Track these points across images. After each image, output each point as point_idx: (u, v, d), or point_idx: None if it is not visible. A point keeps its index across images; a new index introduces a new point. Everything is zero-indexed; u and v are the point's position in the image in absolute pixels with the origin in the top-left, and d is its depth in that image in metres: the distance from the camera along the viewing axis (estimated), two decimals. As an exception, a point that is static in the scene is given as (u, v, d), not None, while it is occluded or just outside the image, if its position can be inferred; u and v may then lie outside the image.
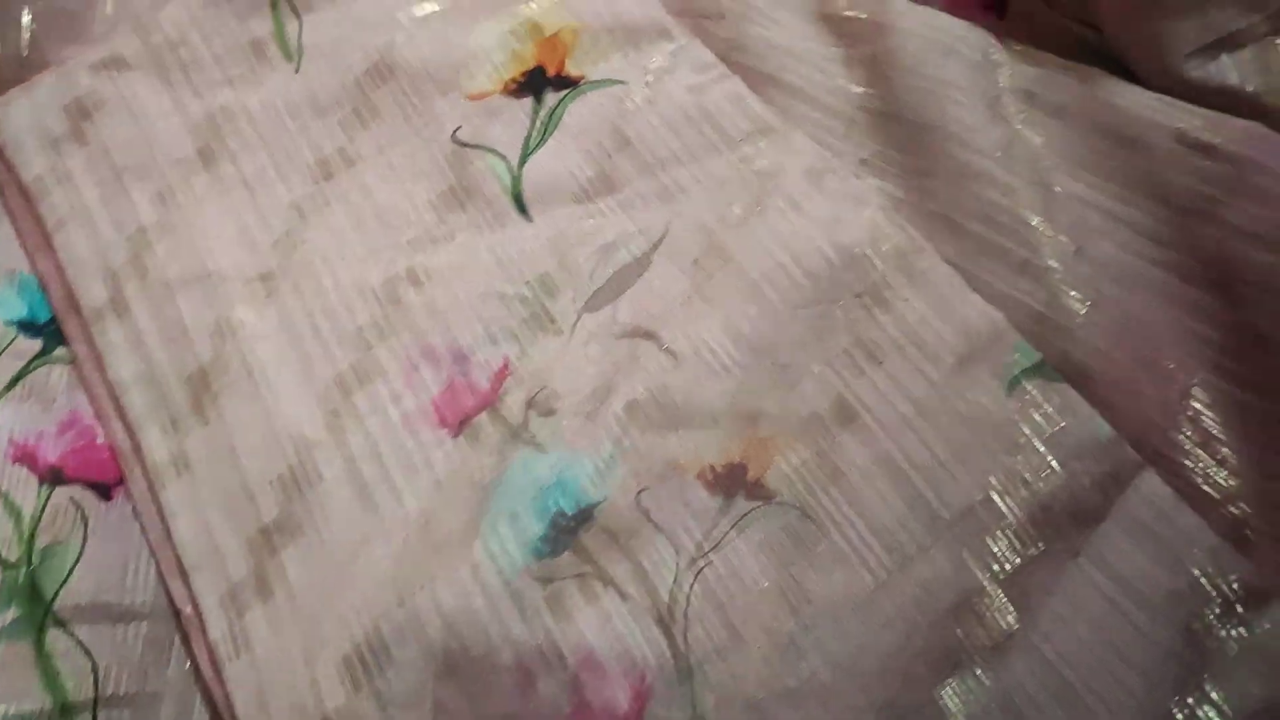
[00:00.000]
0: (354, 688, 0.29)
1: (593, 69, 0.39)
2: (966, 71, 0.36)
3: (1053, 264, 0.32)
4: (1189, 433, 0.30)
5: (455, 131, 0.39)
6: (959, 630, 0.28)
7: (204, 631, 0.31)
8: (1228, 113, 0.33)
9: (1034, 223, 0.33)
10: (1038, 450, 0.29)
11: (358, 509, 0.32)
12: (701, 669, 0.28)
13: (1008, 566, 0.28)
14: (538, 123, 0.39)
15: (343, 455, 0.33)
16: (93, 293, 0.37)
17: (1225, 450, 0.29)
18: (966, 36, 0.37)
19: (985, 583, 0.28)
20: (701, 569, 0.29)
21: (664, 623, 0.29)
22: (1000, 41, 0.37)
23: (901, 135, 0.36)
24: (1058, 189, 0.33)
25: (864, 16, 0.38)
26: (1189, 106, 0.33)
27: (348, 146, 0.40)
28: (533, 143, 0.38)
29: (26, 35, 0.43)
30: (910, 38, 0.37)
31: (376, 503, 0.32)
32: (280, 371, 0.35)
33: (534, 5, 0.41)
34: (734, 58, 0.39)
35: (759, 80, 0.39)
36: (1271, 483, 0.28)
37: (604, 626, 0.29)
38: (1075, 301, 0.31)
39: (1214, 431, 0.29)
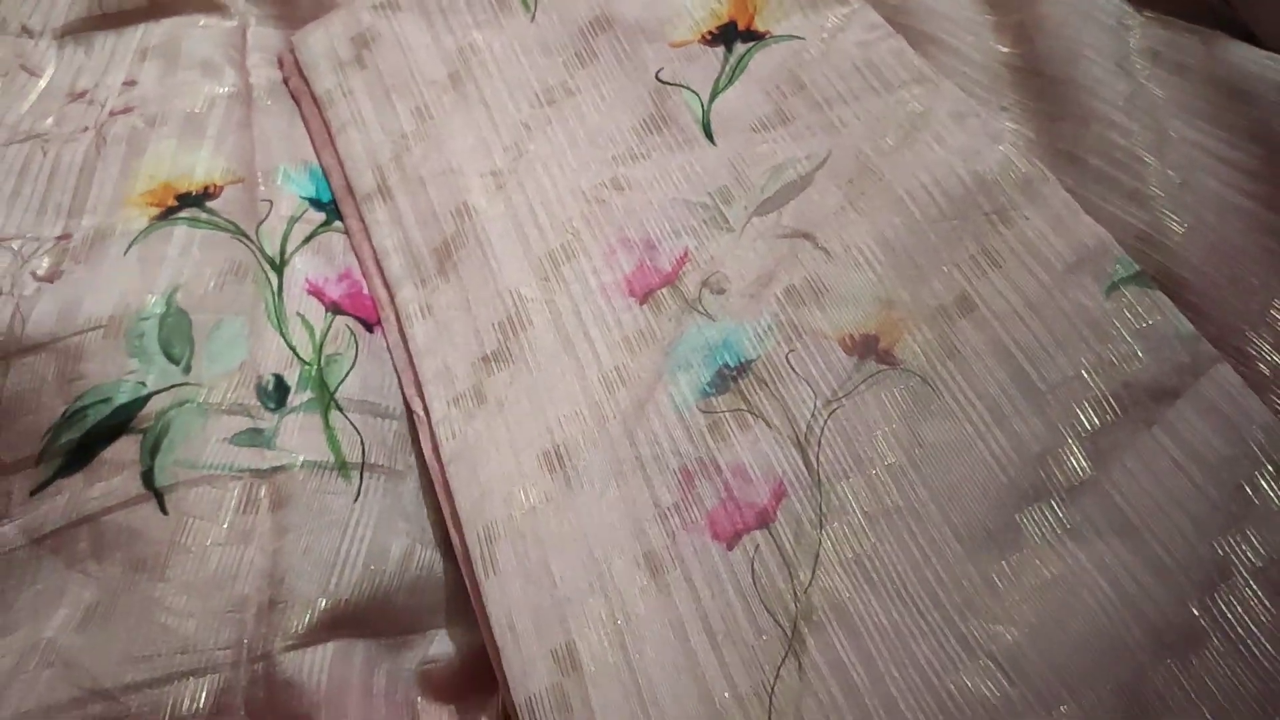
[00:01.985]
0: (549, 471, 0.37)
1: (777, 25, 0.46)
2: (1101, 34, 0.41)
3: (1158, 192, 0.37)
4: (1267, 337, 0.35)
5: (658, 72, 0.47)
6: (1042, 472, 0.34)
7: (430, 428, 0.40)
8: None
9: (1147, 159, 0.38)
10: (1127, 340, 0.35)
11: (560, 349, 0.40)
12: (830, 481, 0.35)
13: (1090, 428, 0.34)
14: (727, 68, 0.46)
15: (550, 309, 0.41)
16: (364, 181, 0.47)
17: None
18: (1104, 4, 0.42)
19: (1069, 439, 0.34)
20: (835, 410, 0.36)
21: (801, 445, 0.36)
22: (1135, 9, 0.42)
23: (1038, 87, 0.42)
24: (1172, 133, 0.39)
25: (1015, -12, 0.45)
26: (1300, 60, 0.38)
27: (569, 80, 0.48)
28: (722, 84, 0.46)
29: None
30: (1055, 6, 0.43)
31: (575, 346, 0.40)
32: (505, 245, 0.44)
33: None
34: (899, 19, 0.46)
35: (920, 39, 0.45)
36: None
37: (753, 446, 0.36)
38: (1175, 223, 0.37)
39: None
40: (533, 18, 0.51)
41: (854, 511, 0.34)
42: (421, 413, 0.41)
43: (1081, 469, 0.33)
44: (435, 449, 0.40)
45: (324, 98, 0.50)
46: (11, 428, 0.38)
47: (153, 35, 0.53)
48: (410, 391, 0.42)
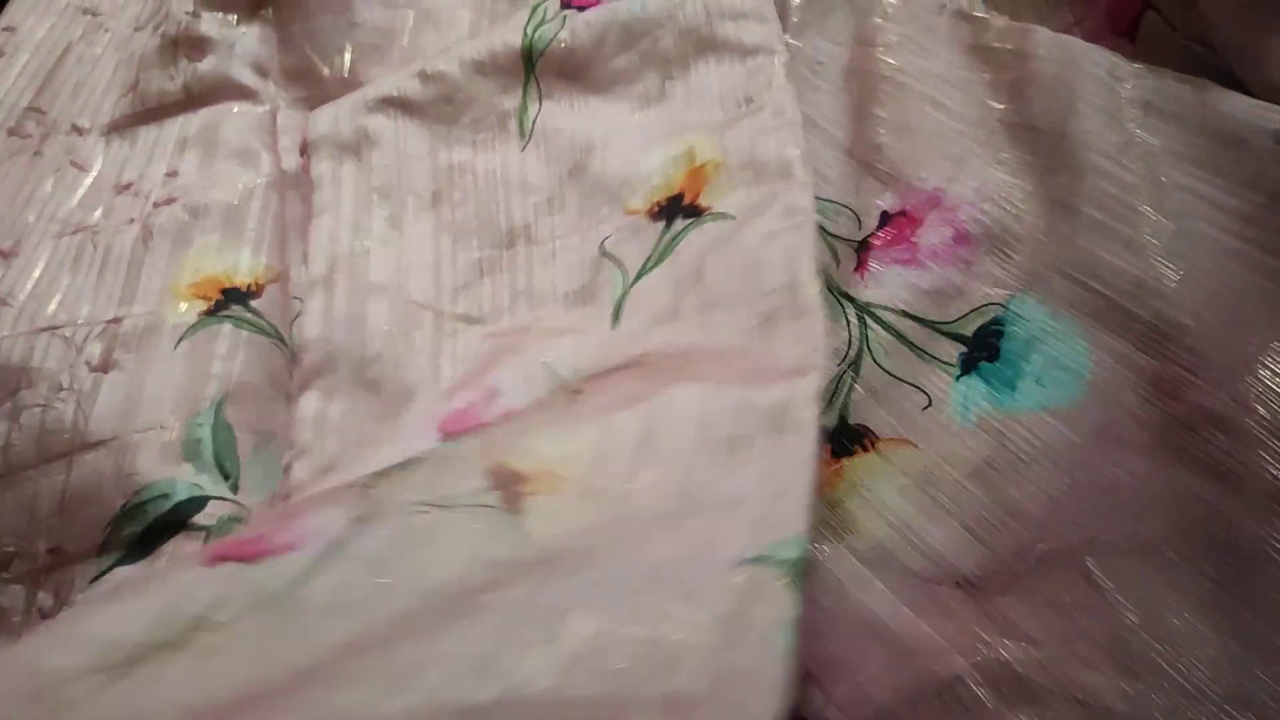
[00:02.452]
0: None
1: (719, 201, 0.44)
2: (1094, 86, 0.43)
3: (1153, 240, 0.39)
4: (1264, 381, 0.35)
5: (605, 240, 0.46)
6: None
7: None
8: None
9: (1141, 208, 0.39)
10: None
11: None
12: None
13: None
14: (659, 247, 0.44)
15: None
16: (316, 267, 0.48)
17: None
18: (1096, 58, 0.43)
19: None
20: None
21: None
22: (1127, 61, 0.43)
23: (1034, 141, 0.44)
24: (1166, 180, 0.40)
25: (1009, 47, 0.46)
26: (1290, 110, 0.39)
27: (533, 226, 0.48)
28: (649, 264, 0.44)
29: (348, 60, 0.58)
30: (1047, 63, 0.44)
31: None
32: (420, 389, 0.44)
33: (699, 135, 0.46)
34: (898, 78, 0.47)
35: (918, 100, 0.47)
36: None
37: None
38: (1170, 270, 0.38)
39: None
40: (523, 147, 0.51)
41: None
42: None
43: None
44: None
45: (315, 180, 0.51)
46: (75, 520, 0.41)
47: (191, 125, 0.55)
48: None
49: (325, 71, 0.57)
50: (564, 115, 0.51)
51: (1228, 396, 0.36)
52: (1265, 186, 0.38)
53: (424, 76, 0.53)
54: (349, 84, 0.57)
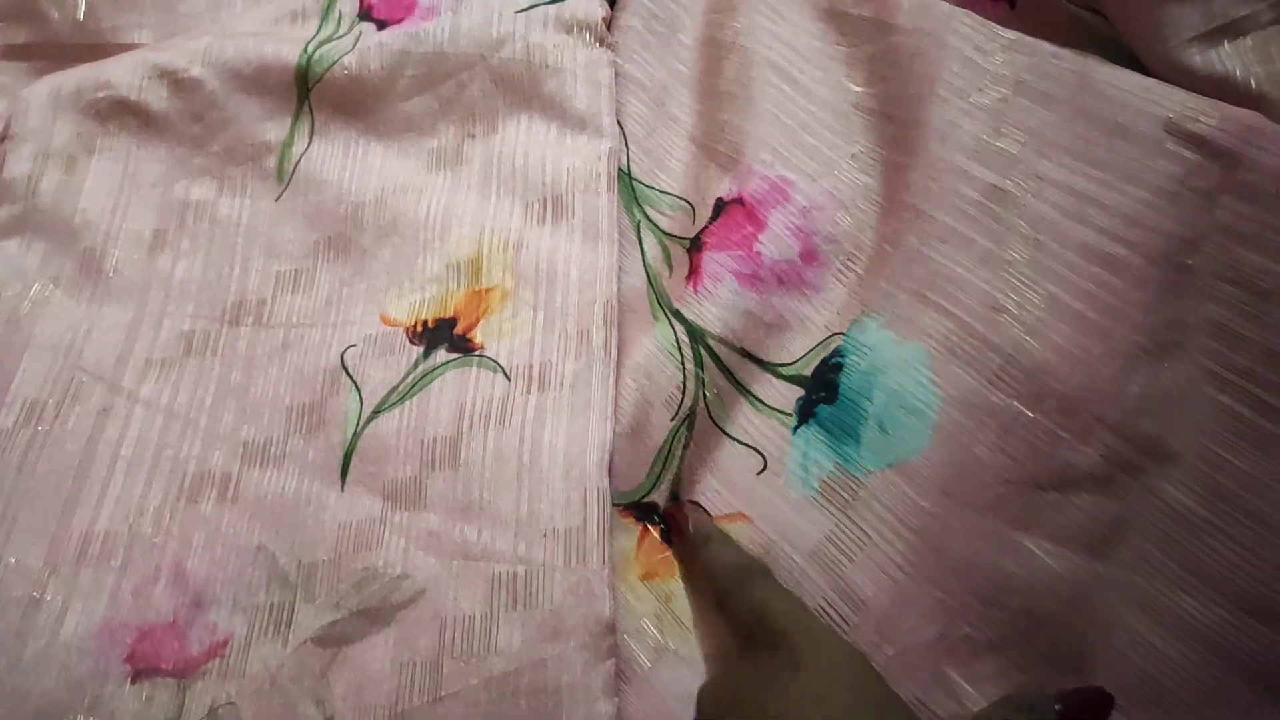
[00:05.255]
0: None
1: (495, 343, 0.36)
2: (956, 64, 0.35)
3: (1015, 255, 0.31)
4: (1131, 419, 0.29)
5: (346, 350, 0.37)
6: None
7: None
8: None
9: (1004, 214, 0.32)
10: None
11: None
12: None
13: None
14: (408, 379, 0.36)
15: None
16: None
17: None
18: (962, 28, 0.36)
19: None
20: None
21: None
22: (1001, 30, 0.36)
23: (889, 132, 0.36)
24: (1034, 177, 0.32)
25: (868, 15, 0.38)
26: (1184, 93, 0.32)
27: (266, 304, 0.39)
28: (391, 400, 0.36)
29: (84, 5, 0.46)
30: (907, 35, 0.37)
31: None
32: (49, 487, 0.36)
33: (491, 239, 0.38)
34: (741, 42, 0.40)
35: (766, 68, 0.39)
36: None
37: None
38: (1033, 292, 0.31)
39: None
40: (278, 196, 0.41)
41: None
42: None
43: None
44: None
45: (4, 188, 0.41)
46: None
47: None
48: None
49: (54, 13, 0.45)
50: (335, 161, 0.41)
51: (1095, 454, 0.29)
52: (1150, 181, 0.31)
53: (174, 82, 0.42)
54: (83, 32, 0.45)
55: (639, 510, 0.34)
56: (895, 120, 0.36)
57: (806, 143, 0.38)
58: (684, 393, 0.34)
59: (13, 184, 0.41)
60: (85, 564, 0.34)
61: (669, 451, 0.34)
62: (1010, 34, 0.35)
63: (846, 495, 0.31)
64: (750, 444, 0.34)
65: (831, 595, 0.30)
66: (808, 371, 0.34)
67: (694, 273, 0.37)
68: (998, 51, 0.35)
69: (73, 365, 0.38)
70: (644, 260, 0.38)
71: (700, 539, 0.32)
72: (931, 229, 0.33)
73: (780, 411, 0.34)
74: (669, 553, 0.33)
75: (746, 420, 0.34)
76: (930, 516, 0.30)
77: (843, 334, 0.34)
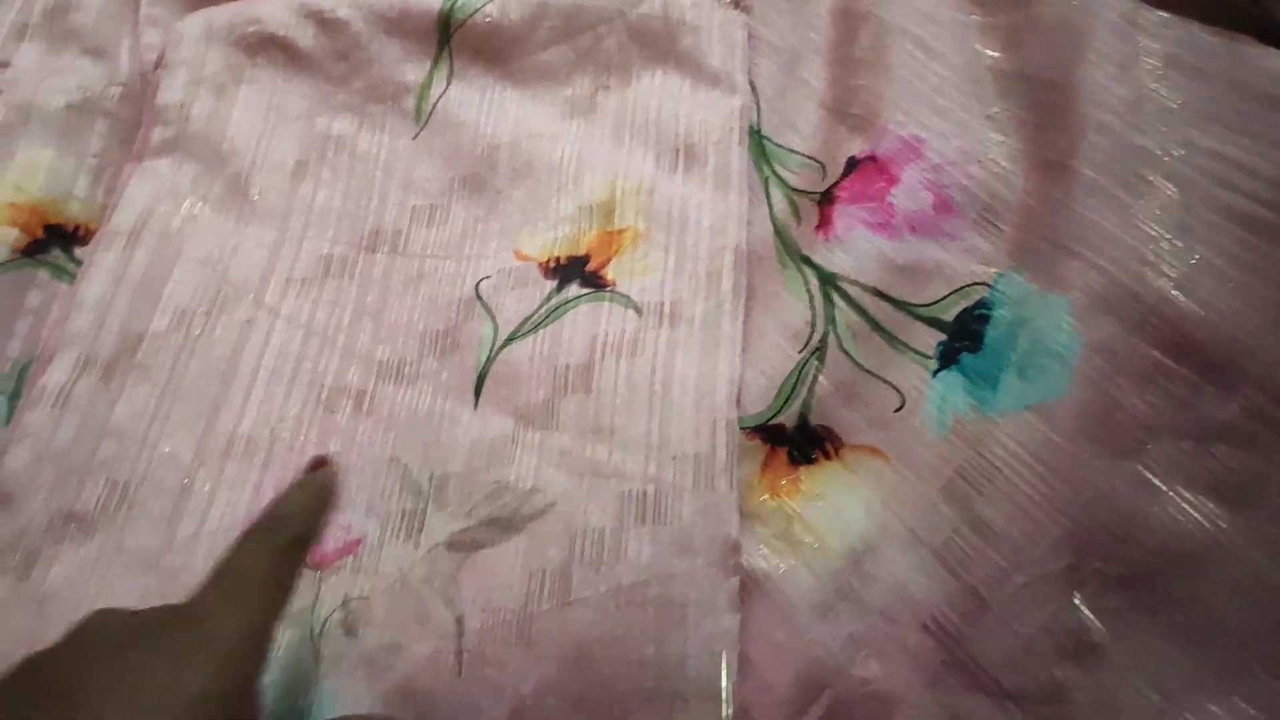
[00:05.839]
0: None
1: (627, 280, 0.37)
2: (1107, 33, 0.36)
3: (1159, 213, 0.31)
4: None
5: (481, 282, 0.38)
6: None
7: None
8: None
9: (1148, 174, 0.32)
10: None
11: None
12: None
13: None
14: (541, 311, 0.37)
15: (173, 508, 0.35)
16: (123, 219, 0.40)
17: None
18: (1112, 2, 0.36)
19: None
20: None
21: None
22: (1151, 8, 0.36)
23: (1029, 93, 0.37)
24: (1184, 143, 0.33)
25: (1008, -14, 0.39)
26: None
27: (404, 233, 0.40)
28: (524, 329, 0.37)
29: None
30: (1053, 6, 0.37)
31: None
32: (196, 389, 0.37)
33: (624, 184, 0.39)
34: (877, 13, 0.40)
35: (897, 35, 0.39)
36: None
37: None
38: (1179, 246, 0.31)
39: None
40: (416, 135, 0.42)
41: None
42: None
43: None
44: None
45: (158, 112, 0.42)
46: None
47: (34, 3, 0.46)
48: None
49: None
50: (472, 104, 0.42)
51: (1238, 407, 0.29)
52: (1303, 150, 0.31)
53: (320, 21, 0.43)
54: None
55: (765, 433, 0.34)
56: (1037, 82, 0.36)
57: (939, 105, 0.38)
58: (813, 329, 0.35)
59: (166, 109, 0.42)
60: (231, 459, 0.35)
61: (798, 379, 0.34)
62: (1163, 13, 0.36)
63: (979, 433, 0.32)
64: (889, 380, 0.34)
65: (962, 527, 0.30)
66: (947, 316, 0.34)
67: (824, 223, 0.37)
68: (1150, 27, 0.35)
69: (219, 279, 0.39)
70: (771, 214, 0.38)
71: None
72: (1077, 184, 0.33)
73: (919, 353, 0.34)
74: (796, 473, 0.33)
75: (883, 357, 0.34)
76: (1065, 453, 0.30)
77: (988, 285, 0.34)
